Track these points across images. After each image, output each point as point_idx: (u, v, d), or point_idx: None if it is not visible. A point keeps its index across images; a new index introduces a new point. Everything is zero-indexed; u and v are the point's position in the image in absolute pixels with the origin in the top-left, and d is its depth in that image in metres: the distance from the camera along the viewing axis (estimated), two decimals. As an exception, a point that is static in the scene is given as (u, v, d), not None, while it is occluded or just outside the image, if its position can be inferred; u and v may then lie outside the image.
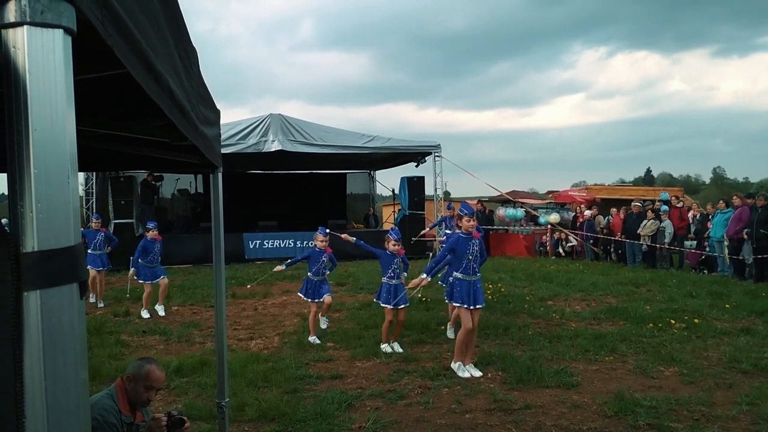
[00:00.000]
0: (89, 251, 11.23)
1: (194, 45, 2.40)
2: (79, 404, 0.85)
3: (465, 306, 6.47)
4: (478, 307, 6.55)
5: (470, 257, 6.55)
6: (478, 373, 6.53)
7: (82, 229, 17.87)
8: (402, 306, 7.59)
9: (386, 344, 7.56)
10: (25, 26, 0.82)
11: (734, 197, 14.09)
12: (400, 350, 7.52)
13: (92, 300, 11.18)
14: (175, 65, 1.78)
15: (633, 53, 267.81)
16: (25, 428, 0.80)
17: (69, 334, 0.84)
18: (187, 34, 2.06)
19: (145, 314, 10.11)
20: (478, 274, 6.66)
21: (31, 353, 0.81)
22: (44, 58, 0.83)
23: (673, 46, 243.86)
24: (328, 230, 8.48)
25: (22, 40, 0.82)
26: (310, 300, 8.21)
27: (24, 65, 0.81)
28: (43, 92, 0.82)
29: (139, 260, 10.41)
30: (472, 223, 6.63)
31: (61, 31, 0.84)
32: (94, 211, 17.74)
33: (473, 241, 6.58)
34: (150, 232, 10.59)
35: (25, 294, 0.82)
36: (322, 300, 8.20)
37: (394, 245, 7.64)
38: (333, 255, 8.42)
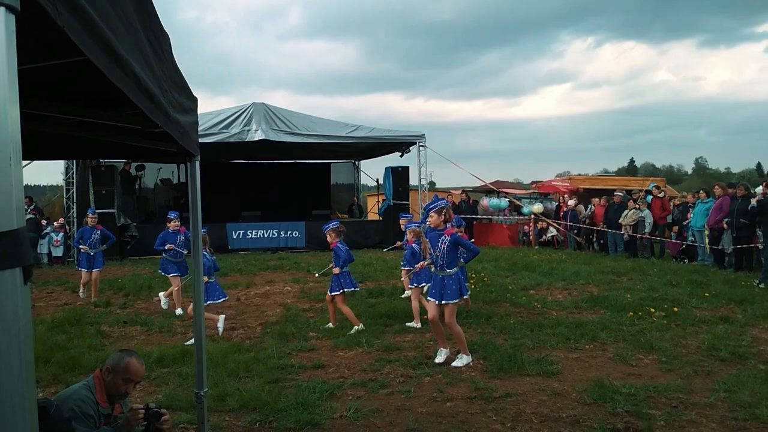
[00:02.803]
0: (82, 250, 10.69)
1: (168, 32, 2.36)
2: (24, 391, 0.83)
3: (430, 299, 6.58)
4: (443, 302, 6.48)
5: (437, 253, 6.58)
6: (439, 359, 6.57)
7: (56, 225, 17.23)
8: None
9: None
10: (-35, 5, 0.78)
11: (715, 187, 14.20)
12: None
13: (83, 294, 10.85)
14: (143, 51, 1.74)
15: (621, 43, 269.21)
16: None
17: (11, 320, 0.81)
18: (157, 19, 2.02)
19: (179, 311, 9.40)
20: (447, 270, 6.53)
21: (-29, 340, 0.78)
22: (-16, 37, 0.79)
23: (661, 36, 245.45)
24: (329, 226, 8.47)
25: (-41, 17, 0.78)
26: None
27: (-37, 44, 0.78)
28: (-17, 71, 0.79)
29: (163, 254, 9.90)
30: (436, 219, 6.57)
31: (2, 9, 0.81)
32: (74, 200, 17.56)
33: (443, 238, 6.54)
34: (172, 222, 9.99)
35: (-36, 279, 0.79)
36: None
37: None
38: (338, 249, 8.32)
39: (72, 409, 3.01)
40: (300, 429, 4.82)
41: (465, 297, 6.85)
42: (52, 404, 2.55)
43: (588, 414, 5.03)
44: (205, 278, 7.85)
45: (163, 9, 2.12)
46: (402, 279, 10.27)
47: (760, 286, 10.82)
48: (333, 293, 8.10)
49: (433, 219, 6.63)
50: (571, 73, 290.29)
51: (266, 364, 6.48)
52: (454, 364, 6.47)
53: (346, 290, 8.12)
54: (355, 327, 7.99)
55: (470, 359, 6.53)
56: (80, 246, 10.79)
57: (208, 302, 7.76)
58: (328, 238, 8.38)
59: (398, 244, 9.68)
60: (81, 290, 10.99)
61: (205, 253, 7.92)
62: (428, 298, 6.75)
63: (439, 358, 6.60)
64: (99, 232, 10.91)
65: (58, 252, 17.04)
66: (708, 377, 5.93)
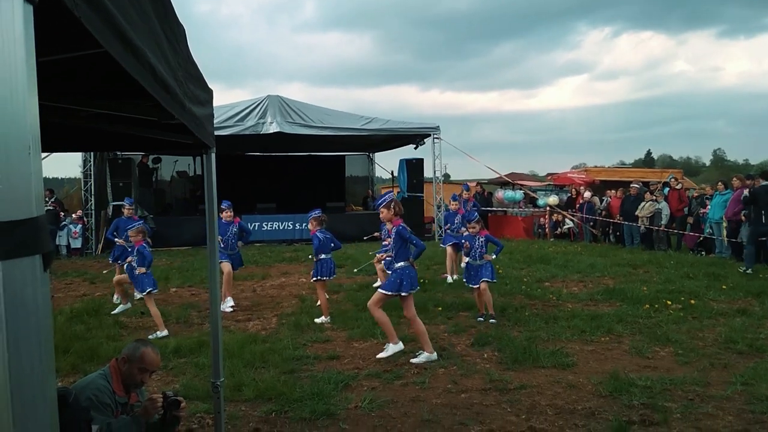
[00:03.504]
0: (117, 243, 9.67)
1: (183, 24, 2.37)
2: (44, 376, 0.85)
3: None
4: (402, 294, 6.45)
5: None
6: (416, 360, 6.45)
7: (76, 217, 17.21)
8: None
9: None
10: (-19, -5, 0.79)
11: (734, 179, 14.03)
12: None
13: (120, 305, 9.19)
14: (159, 42, 1.76)
15: (638, 33, 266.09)
16: None
17: (32, 306, 0.83)
18: (173, 10, 2.04)
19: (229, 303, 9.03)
20: (395, 264, 6.49)
21: (-9, 326, 0.80)
22: (3, 27, 0.81)
23: (679, 26, 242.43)
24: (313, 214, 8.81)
25: (-21, 9, 0.79)
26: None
27: (-18, 35, 0.79)
28: (2, 62, 0.80)
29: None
30: (386, 214, 6.57)
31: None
32: (92, 193, 17.71)
33: (393, 229, 6.55)
34: (225, 212, 9.31)
35: (-14, 265, 0.80)
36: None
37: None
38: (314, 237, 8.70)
39: (89, 399, 3.06)
40: (315, 419, 4.85)
41: (402, 293, 6.38)
42: (71, 393, 2.59)
43: (603, 406, 5.02)
44: (142, 269, 7.96)
45: (177, 1, 2.13)
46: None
47: (748, 271, 11.30)
48: (312, 279, 8.60)
49: (383, 214, 6.58)
50: (588, 63, 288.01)
51: (282, 355, 6.52)
52: (378, 355, 6.44)
53: (322, 278, 8.44)
54: (323, 318, 8.18)
55: (398, 347, 6.46)
56: (116, 239, 9.80)
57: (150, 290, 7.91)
58: (309, 226, 8.75)
59: (376, 234, 9.97)
60: (116, 296, 9.51)
61: (144, 245, 8.18)
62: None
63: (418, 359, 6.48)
64: (135, 224, 9.44)
65: (76, 244, 17.24)
66: (725, 370, 5.89)
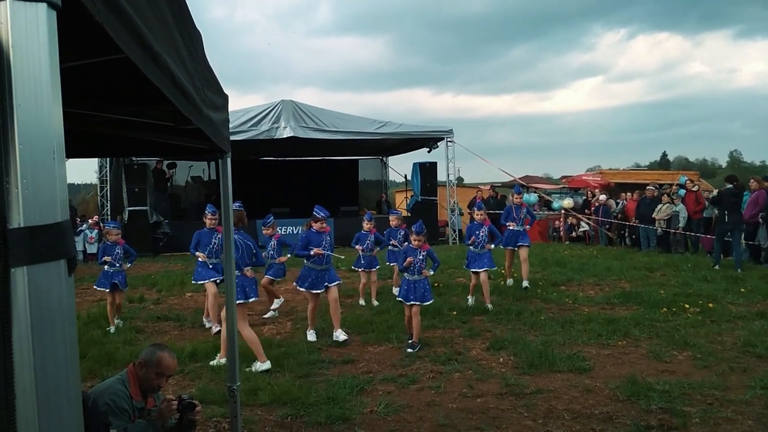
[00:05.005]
0: (200, 259, 8.19)
1: (199, 29, 2.39)
2: (68, 380, 0.85)
3: None
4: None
5: None
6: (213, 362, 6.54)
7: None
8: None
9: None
10: (8, 0, 0.80)
11: (751, 180, 13.86)
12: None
13: (210, 326, 8.22)
14: (177, 48, 1.77)
15: (654, 35, 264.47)
16: (15, 405, 0.81)
17: (57, 310, 0.84)
18: (190, 16, 2.05)
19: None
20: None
21: (19, 330, 0.81)
22: (28, 32, 0.82)
23: (696, 27, 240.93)
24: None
25: (5, 14, 0.81)
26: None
27: (7, 40, 0.81)
28: (27, 67, 0.82)
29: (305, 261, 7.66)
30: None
31: (44, 5, 0.84)
32: (108, 198, 17.86)
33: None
34: (318, 223, 7.47)
35: (12, 270, 0.82)
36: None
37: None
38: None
39: (107, 404, 3.07)
40: (331, 423, 4.85)
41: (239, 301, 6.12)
42: (89, 397, 2.61)
43: (621, 411, 4.98)
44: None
45: (192, 7, 2.14)
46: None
47: (739, 270, 11.78)
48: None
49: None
50: (603, 65, 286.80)
51: (297, 359, 6.53)
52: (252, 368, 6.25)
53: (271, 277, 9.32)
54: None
55: (266, 366, 6.22)
56: (197, 253, 8.25)
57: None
58: (271, 231, 9.81)
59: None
60: (205, 318, 8.49)
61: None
62: None
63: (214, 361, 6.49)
64: (220, 236, 8.06)
65: (92, 249, 17.39)
66: (744, 374, 5.82)
